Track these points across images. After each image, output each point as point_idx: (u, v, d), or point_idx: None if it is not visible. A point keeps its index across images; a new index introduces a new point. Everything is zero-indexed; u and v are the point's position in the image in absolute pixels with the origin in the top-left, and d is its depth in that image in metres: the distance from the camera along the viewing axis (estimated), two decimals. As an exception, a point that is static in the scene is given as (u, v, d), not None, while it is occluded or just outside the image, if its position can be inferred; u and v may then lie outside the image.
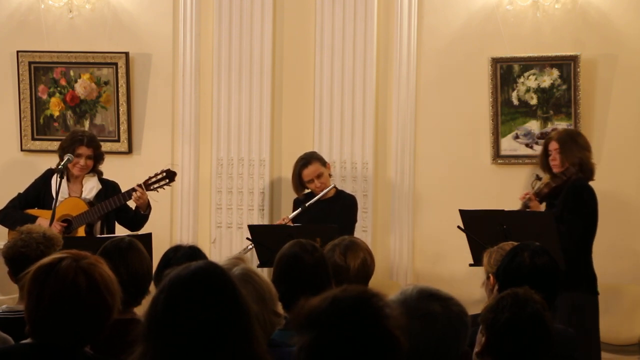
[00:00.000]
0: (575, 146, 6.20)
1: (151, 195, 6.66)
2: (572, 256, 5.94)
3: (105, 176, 6.79)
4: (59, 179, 6.48)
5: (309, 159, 6.78)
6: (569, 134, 6.37)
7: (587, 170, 6.16)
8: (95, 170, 6.74)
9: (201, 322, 2.38)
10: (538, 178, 6.35)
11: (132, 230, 6.58)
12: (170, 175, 6.62)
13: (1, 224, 6.75)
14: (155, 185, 6.59)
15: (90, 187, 6.67)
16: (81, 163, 6.63)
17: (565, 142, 6.20)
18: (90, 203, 6.60)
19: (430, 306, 2.57)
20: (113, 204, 6.52)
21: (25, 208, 6.71)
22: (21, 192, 6.81)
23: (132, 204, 6.63)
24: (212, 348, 2.38)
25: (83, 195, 6.64)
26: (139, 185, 6.54)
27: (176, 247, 4.26)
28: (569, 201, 6.05)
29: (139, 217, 6.61)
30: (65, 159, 6.58)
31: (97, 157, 6.72)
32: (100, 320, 2.86)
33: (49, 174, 6.72)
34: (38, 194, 6.71)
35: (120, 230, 6.69)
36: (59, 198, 6.55)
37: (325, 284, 3.79)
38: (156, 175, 6.62)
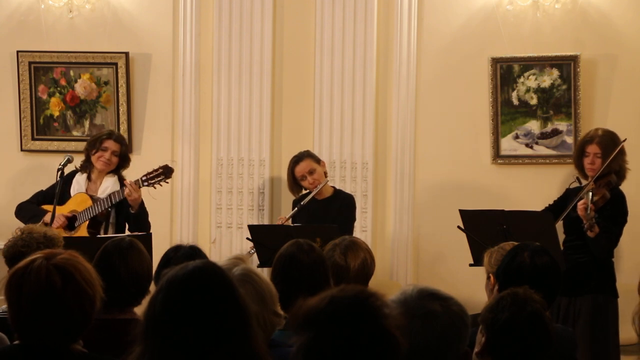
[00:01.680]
0: (618, 153, 6.03)
1: (150, 192, 6.61)
2: (600, 261, 5.96)
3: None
4: (58, 179, 6.49)
5: (300, 156, 6.79)
6: (612, 139, 6.14)
7: (621, 176, 6.09)
8: (117, 174, 6.70)
9: (199, 322, 2.38)
10: (579, 181, 6.21)
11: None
12: (167, 172, 6.52)
13: (16, 217, 6.74)
14: (152, 182, 6.53)
15: (106, 187, 6.63)
16: (106, 156, 6.60)
17: (608, 149, 6.04)
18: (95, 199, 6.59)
19: (431, 305, 2.57)
20: (113, 199, 6.48)
21: (43, 204, 6.72)
22: (43, 189, 6.83)
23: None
24: (210, 348, 2.37)
25: (98, 194, 6.62)
26: (135, 181, 6.48)
27: (176, 247, 4.26)
28: (607, 210, 5.98)
29: (131, 216, 6.50)
30: (65, 159, 6.58)
31: (123, 156, 6.68)
32: (85, 312, 2.83)
33: (71, 173, 6.72)
34: (58, 192, 6.67)
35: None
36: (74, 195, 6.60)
37: (322, 284, 3.79)
38: (153, 171, 6.57)
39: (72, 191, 6.64)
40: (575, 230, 5.93)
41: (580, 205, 5.84)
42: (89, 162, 6.66)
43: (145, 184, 6.48)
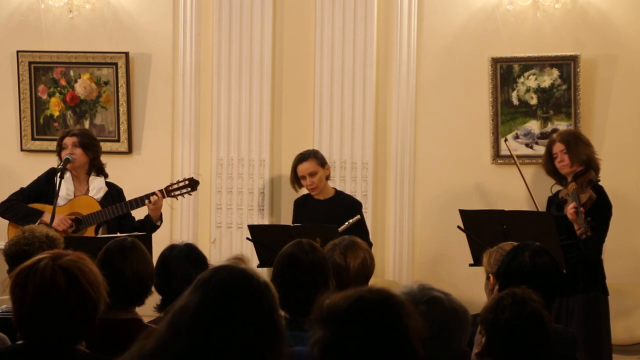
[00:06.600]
0: (580, 143, 6.18)
1: (169, 203, 6.69)
2: (590, 260, 5.97)
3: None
4: (58, 179, 6.46)
5: (306, 155, 6.79)
6: (571, 133, 6.37)
7: (595, 167, 6.16)
8: (102, 172, 6.67)
9: (232, 328, 2.29)
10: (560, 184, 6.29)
11: None
12: (192, 184, 6.60)
13: (2, 215, 6.67)
14: (176, 193, 6.57)
15: (98, 188, 6.60)
16: (67, 151, 6.55)
17: (570, 141, 6.17)
18: (101, 203, 6.57)
19: (435, 293, 2.61)
20: (126, 207, 6.46)
21: (27, 203, 6.66)
22: (24, 187, 6.77)
23: (140, 211, 6.59)
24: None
25: (90, 195, 6.60)
26: (160, 191, 6.50)
27: (171, 247, 4.29)
28: (594, 210, 6.01)
29: (149, 227, 6.44)
30: (65, 158, 6.56)
31: (86, 145, 6.57)
32: (87, 315, 2.83)
33: (52, 172, 6.68)
34: (41, 191, 6.62)
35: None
36: (65, 195, 6.54)
37: (321, 285, 3.80)
38: (178, 182, 6.61)
39: (62, 191, 6.56)
40: (565, 230, 5.94)
41: (570, 209, 5.89)
42: (65, 164, 6.58)
43: (171, 195, 6.52)
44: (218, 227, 7.68)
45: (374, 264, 4.53)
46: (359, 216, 6.51)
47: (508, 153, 7.15)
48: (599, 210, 6.01)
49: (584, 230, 5.80)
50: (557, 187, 6.28)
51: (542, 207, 6.48)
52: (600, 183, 6.16)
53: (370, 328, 2.15)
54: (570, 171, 6.14)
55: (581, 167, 6.11)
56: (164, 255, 4.26)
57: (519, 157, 7.13)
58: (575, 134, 6.40)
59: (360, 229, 6.51)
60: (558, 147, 6.20)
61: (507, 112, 7.22)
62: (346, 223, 6.41)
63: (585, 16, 7.10)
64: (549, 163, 6.28)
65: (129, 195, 6.67)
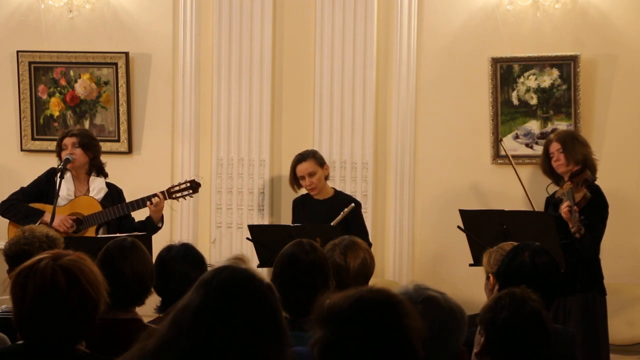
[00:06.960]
0: (577, 143, 6.21)
1: (171, 205, 6.71)
2: (588, 259, 5.97)
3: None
4: (58, 179, 6.46)
5: (305, 155, 6.79)
6: (568, 133, 6.39)
7: (591, 167, 6.18)
8: (102, 172, 6.68)
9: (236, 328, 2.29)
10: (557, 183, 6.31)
11: None
12: (194, 186, 6.62)
13: (3, 215, 6.67)
14: (178, 195, 6.58)
15: (99, 188, 6.61)
16: (67, 151, 6.56)
17: (567, 141, 6.20)
18: (101, 204, 6.56)
19: (430, 292, 2.62)
20: (127, 208, 6.47)
21: (27, 203, 6.66)
22: (24, 186, 6.77)
23: (141, 212, 6.58)
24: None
25: (90, 195, 6.60)
26: (162, 193, 6.51)
27: (168, 247, 4.29)
28: (589, 208, 6.02)
29: (150, 229, 6.44)
30: (65, 158, 6.56)
31: (86, 146, 6.59)
32: (88, 315, 2.83)
33: (52, 172, 6.68)
34: (41, 191, 6.63)
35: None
36: (65, 196, 6.54)
37: (322, 285, 3.81)
38: (179, 184, 6.62)
39: (62, 191, 6.56)
40: (562, 230, 5.95)
41: (564, 208, 5.90)
42: (65, 164, 6.58)
43: (173, 197, 6.54)
44: (218, 227, 7.68)
45: (374, 264, 4.53)
46: (352, 204, 6.51)
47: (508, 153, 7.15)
48: (594, 209, 6.01)
49: (577, 229, 5.80)
50: (553, 187, 6.29)
51: (538, 208, 6.48)
52: (600, 183, 6.17)
53: (370, 328, 2.15)
54: (566, 170, 6.16)
55: (577, 167, 6.13)
56: (161, 256, 4.26)
57: (519, 157, 7.14)
58: (571, 133, 6.43)
59: (360, 228, 6.52)
60: (554, 147, 6.22)
61: (507, 112, 7.22)
62: (341, 213, 6.43)
63: (585, 16, 7.10)
64: (545, 162, 6.30)
65: (129, 195, 6.68)
